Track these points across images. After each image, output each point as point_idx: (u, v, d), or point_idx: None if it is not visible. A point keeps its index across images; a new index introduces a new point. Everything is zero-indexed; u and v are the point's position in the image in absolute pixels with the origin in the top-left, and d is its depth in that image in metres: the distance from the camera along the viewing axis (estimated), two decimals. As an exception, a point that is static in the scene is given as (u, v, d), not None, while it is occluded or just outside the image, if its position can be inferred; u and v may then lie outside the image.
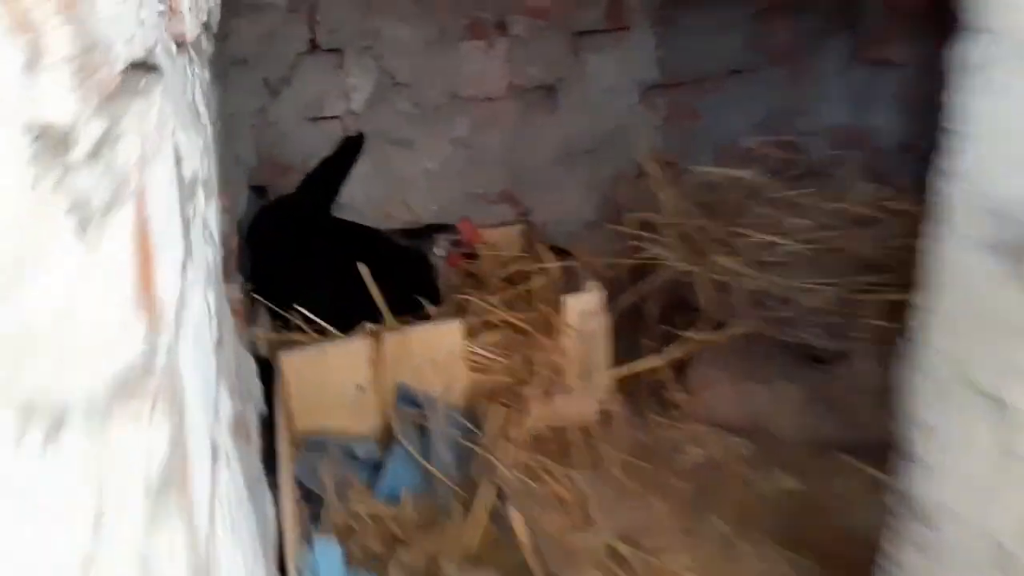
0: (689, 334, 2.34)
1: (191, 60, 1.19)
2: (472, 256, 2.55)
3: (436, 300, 2.27)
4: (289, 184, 2.55)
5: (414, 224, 2.61)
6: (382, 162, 2.61)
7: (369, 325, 1.99)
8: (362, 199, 2.63)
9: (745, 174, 2.87)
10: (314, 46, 2.43)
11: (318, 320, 2.04)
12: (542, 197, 2.84)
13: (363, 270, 2.08)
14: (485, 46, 2.60)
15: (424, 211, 2.70)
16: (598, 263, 2.53)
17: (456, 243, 2.49)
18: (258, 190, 2.52)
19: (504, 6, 2.57)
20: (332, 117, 2.52)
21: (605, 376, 2.25)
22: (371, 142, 2.58)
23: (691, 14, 2.80)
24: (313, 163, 2.54)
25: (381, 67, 2.51)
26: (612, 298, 2.31)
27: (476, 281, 2.54)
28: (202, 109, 1.26)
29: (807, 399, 2.23)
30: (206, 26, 1.41)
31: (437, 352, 2.01)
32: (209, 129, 1.26)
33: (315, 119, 2.50)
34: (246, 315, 2.01)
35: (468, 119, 2.66)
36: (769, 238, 2.48)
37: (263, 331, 1.99)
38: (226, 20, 2.33)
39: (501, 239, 2.75)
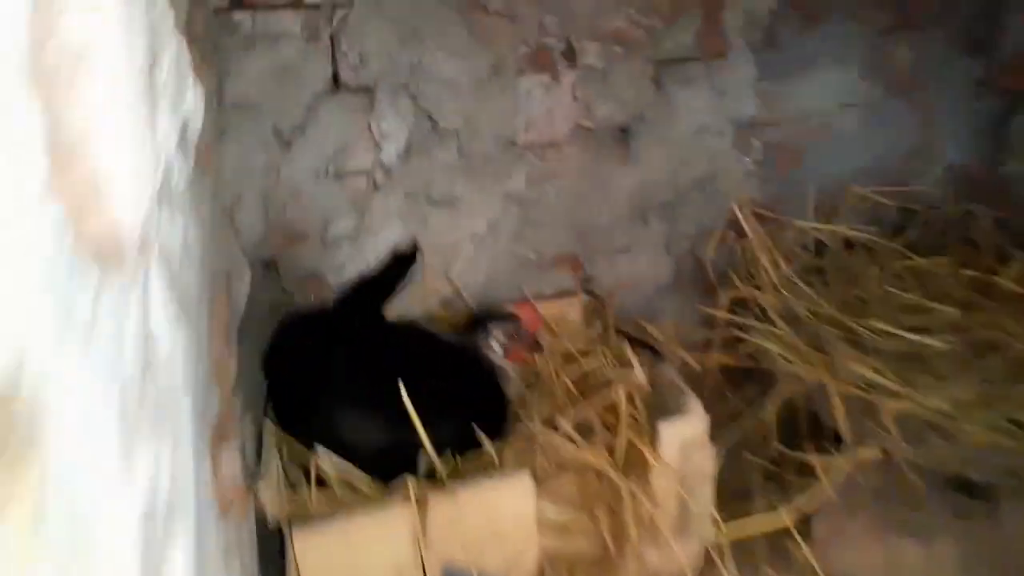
0: (813, 458, 1.85)
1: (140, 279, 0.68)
2: (536, 348, 2.04)
3: (503, 426, 1.77)
4: (302, 255, 2.03)
5: (461, 314, 2.10)
6: (418, 225, 2.09)
7: (411, 483, 1.48)
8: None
9: (862, 232, 2.36)
10: (337, 84, 1.90)
11: (348, 466, 1.55)
12: (609, 260, 2.32)
13: (404, 396, 1.58)
14: (549, 80, 2.06)
15: (467, 284, 2.19)
16: (692, 359, 2.02)
17: (515, 334, 1.98)
18: (266, 264, 2.01)
19: (575, 28, 2.03)
20: (358, 172, 2.00)
21: (710, 529, 1.76)
22: (406, 202, 2.06)
23: (802, 35, 2.25)
24: (335, 229, 2.03)
25: (420, 109, 1.98)
26: (710, 406, 1.81)
27: (537, 385, 2.03)
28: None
29: (968, 556, 1.74)
30: (181, 144, 0.89)
31: (500, 519, 1.52)
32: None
33: (337, 174, 1.98)
34: (249, 468, 1.52)
35: (524, 170, 2.13)
36: (908, 334, 1.97)
37: (271, 487, 1.49)
38: (224, 55, 1.80)
39: (560, 315, 2.24)
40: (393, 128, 1.97)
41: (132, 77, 0.67)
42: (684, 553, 1.71)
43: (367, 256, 2.08)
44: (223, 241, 1.50)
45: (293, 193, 1.96)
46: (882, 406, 1.77)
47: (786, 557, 1.83)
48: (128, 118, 0.66)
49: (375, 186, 2.03)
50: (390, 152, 2.00)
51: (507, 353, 1.96)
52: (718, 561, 1.74)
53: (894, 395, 1.82)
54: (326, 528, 1.43)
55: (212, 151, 1.34)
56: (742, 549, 1.79)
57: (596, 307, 2.21)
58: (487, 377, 1.82)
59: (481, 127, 2.04)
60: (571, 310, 2.27)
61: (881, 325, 1.99)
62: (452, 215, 2.11)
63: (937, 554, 1.73)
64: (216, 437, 1.17)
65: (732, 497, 1.95)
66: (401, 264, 1.95)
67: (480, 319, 1.96)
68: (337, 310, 1.87)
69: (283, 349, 1.74)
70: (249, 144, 1.87)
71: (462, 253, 2.17)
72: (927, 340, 1.95)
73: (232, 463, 1.31)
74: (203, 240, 1.07)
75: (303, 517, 1.46)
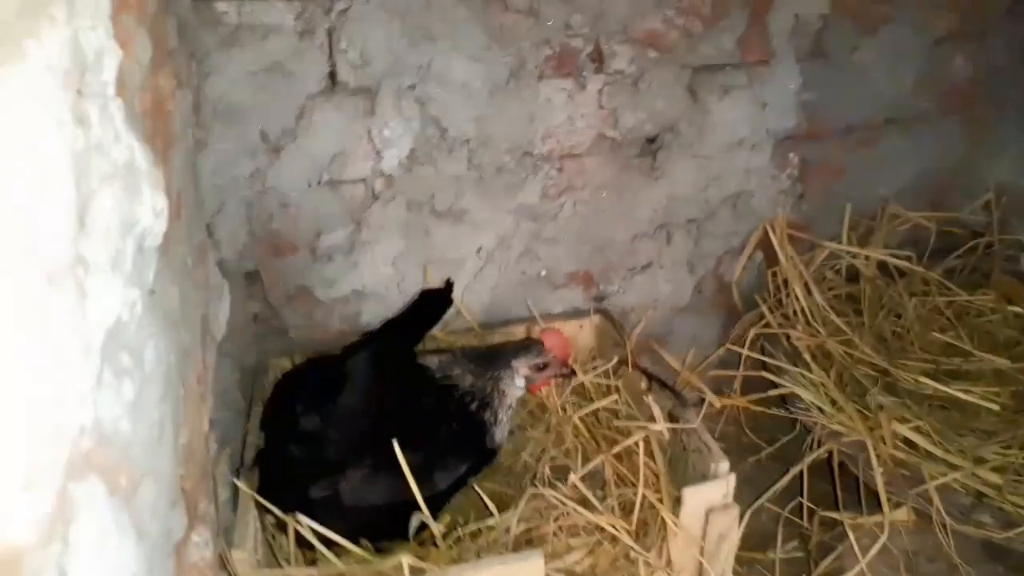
0: (843, 517, 1.69)
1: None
2: (571, 374, 1.83)
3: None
4: (290, 268, 1.84)
5: (464, 336, 1.91)
6: (421, 240, 1.89)
7: (408, 561, 1.31)
8: (393, 290, 1.92)
9: (899, 258, 2.17)
10: (334, 84, 1.67)
11: (333, 537, 1.38)
12: (626, 279, 2.13)
13: (397, 450, 1.40)
14: (573, 86, 1.84)
15: (472, 304, 2.00)
16: (714, 397, 1.85)
17: (541, 366, 1.75)
18: (248, 275, 1.82)
19: (605, 29, 1.81)
20: (355, 180, 1.79)
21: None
22: (408, 213, 1.85)
23: (853, 43, 2.03)
24: (327, 240, 1.82)
25: (427, 114, 1.76)
26: (729, 451, 1.63)
27: (543, 420, 1.86)
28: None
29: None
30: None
31: (507, 601, 1.35)
32: None
33: (331, 183, 1.77)
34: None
35: (540, 183, 1.92)
36: (952, 390, 1.79)
37: (247, 556, 1.32)
38: (205, 51, 1.58)
39: (570, 337, 2.05)
40: (396, 134, 1.75)
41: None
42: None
43: (362, 272, 1.88)
44: (200, 280, 1.30)
45: (281, 203, 1.75)
46: (927, 474, 1.61)
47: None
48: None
49: (374, 195, 1.82)
50: (391, 160, 1.79)
51: (530, 384, 1.76)
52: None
53: (938, 460, 1.66)
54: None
55: (184, 195, 1.14)
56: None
57: (609, 330, 2.03)
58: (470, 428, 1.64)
59: (495, 136, 1.82)
60: (582, 332, 2.08)
61: (923, 379, 1.81)
62: (459, 230, 1.91)
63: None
64: (181, 544, 0.99)
65: (761, 551, 1.81)
66: (433, 305, 1.70)
67: (497, 353, 1.76)
68: (345, 353, 1.66)
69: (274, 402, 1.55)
70: (232, 151, 1.65)
71: (467, 268, 1.98)
72: (972, 398, 1.77)
73: (202, 548, 1.14)
74: (168, 338, 0.88)
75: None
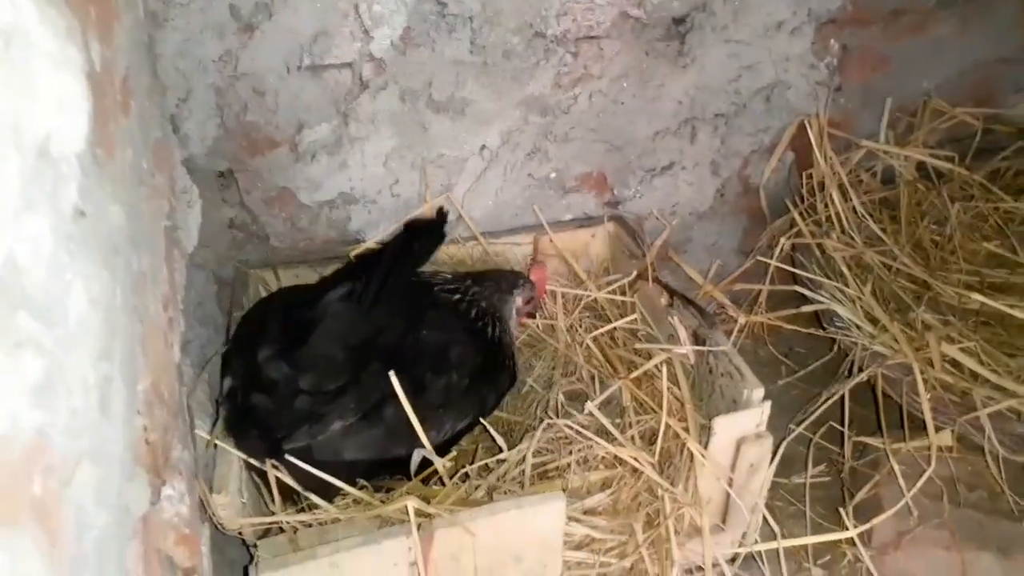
0: (882, 443, 1.57)
1: None
2: (534, 314, 1.70)
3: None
4: (268, 167, 1.61)
5: (463, 258, 1.71)
6: (417, 136, 1.66)
7: (414, 505, 1.15)
8: (386, 193, 1.70)
9: (940, 158, 1.98)
10: (313, -54, 1.41)
11: (322, 476, 1.22)
12: (643, 181, 1.92)
13: (395, 383, 1.23)
14: (594, -47, 1.57)
15: (473, 210, 1.79)
16: (739, 313, 1.68)
17: (528, 300, 1.62)
18: (222, 175, 1.59)
19: None
20: (341, 65, 1.54)
21: (755, 525, 1.48)
22: (403, 104, 1.62)
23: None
24: (309, 135, 1.59)
25: (425, -14, 1.50)
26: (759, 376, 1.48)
27: (553, 340, 1.69)
28: None
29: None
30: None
31: (522, 543, 1.22)
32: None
33: (313, 67, 1.52)
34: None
35: (552, 70, 1.68)
36: (1001, 305, 1.63)
37: (231, 500, 1.16)
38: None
39: (582, 247, 1.87)
40: (388, 10, 1.50)
41: None
42: (725, 554, 1.44)
43: (350, 172, 1.66)
44: (160, 188, 1.08)
45: (256, 90, 1.51)
46: (979, 401, 1.46)
47: (839, 556, 1.59)
48: None
49: (362, 83, 1.58)
50: (383, 41, 1.53)
51: (518, 316, 1.61)
52: (763, 562, 1.48)
53: (985, 383, 1.51)
54: (302, 568, 1.11)
55: (133, 83, 0.90)
56: (790, 549, 1.54)
57: (624, 239, 1.83)
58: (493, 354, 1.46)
59: (503, 13, 1.57)
60: (595, 241, 1.89)
61: (970, 293, 1.65)
62: (459, 124, 1.68)
63: (1018, 570, 1.49)
64: (148, 513, 0.82)
65: (785, 475, 1.70)
66: (420, 240, 1.41)
67: (493, 279, 1.58)
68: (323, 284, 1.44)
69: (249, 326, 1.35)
70: (198, 29, 1.40)
71: (468, 170, 1.76)
72: (1022, 313, 1.61)
73: (176, 503, 0.97)
74: (112, 274, 0.67)
75: (272, 545, 1.14)
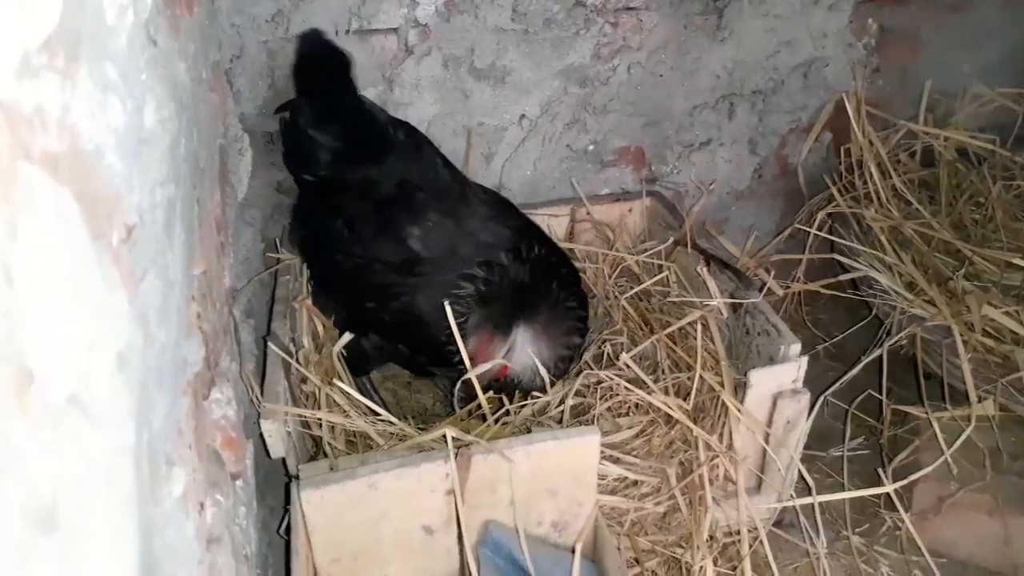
0: (922, 411, 1.55)
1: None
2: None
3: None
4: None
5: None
6: (459, 103, 1.71)
7: (452, 433, 1.17)
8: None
9: (980, 141, 1.97)
10: (365, -90, 1.47)
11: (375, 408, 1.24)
12: (681, 156, 1.94)
13: (449, 313, 1.26)
14: (635, -77, 1.62)
15: (512, 179, 1.83)
16: (776, 284, 1.68)
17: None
18: (271, 138, 1.65)
19: None
20: (387, 30, 1.60)
21: (791, 482, 1.47)
22: (446, 71, 1.67)
23: None
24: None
25: (469, -48, 1.56)
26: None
27: (590, 304, 1.71)
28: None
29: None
30: None
31: (556, 477, 1.23)
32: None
33: (360, 32, 1.58)
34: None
35: (592, 40, 1.72)
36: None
37: (276, 425, 1.19)
38: None
39: (619, 219, 1.89)
40: (434, -26, 1.56)
41: None
42: (761, 513, 1.43)
43: (394, 137, 1.71)
44: (216, 106, 1.13)
45: (306, 52, 1.57)
46: (1022, 363, 1.44)
47: (878, 525, 1.56)
48: None
49: (407, 49, 1.63)
50: (428, 7, 1.59)
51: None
52: (803, 524, 1.46)
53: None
54: (341, 488, 1.13)
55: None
56: (826, 510, 1.52)
57: (661, 212, 1.85)
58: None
59: (545, -20, 1.62)
60: (631, 215, 1.91)
61: (1016, 261, 1.63)
62: (499, 92, 1.72)
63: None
64: (200, 384, 0.85)
65: (822, 449, 1.68)
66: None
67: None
68: None
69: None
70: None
71: (508, 139, 1.80)
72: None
73: (224, 406, 1.01)
74: (178, 116, 0.71)
75: (314, 468, 1.17)
